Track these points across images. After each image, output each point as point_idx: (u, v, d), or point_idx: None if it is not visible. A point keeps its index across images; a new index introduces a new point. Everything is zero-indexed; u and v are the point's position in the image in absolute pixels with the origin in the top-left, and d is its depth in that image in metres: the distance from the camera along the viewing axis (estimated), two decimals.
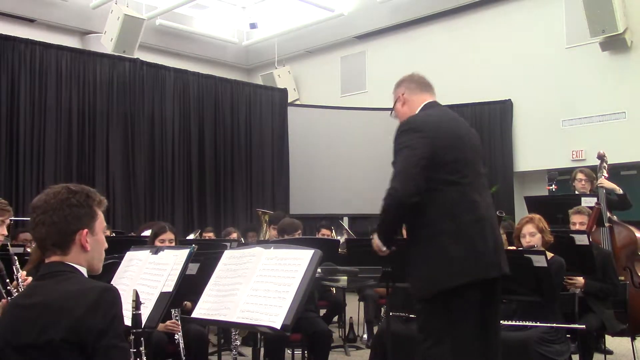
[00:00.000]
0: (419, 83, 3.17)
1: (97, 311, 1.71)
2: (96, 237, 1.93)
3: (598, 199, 5.22)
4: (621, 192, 5.42)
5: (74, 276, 1.85)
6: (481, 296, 2.83)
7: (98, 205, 1.95)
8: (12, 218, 6.59)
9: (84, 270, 1.90)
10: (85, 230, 1.88)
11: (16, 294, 2.79)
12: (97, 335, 1.70)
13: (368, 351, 4.68)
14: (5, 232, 3.07)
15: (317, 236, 6.53)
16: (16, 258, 3.12)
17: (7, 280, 2.39)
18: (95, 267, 1.95)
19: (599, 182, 5.25)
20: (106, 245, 1.99)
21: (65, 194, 1.89)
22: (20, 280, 2.95)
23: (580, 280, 4.26)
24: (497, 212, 5.69)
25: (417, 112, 3.07)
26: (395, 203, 2.78)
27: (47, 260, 1.89)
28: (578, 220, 4.78)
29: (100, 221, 1.95)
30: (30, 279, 3.00)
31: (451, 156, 2.86)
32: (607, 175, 5.49)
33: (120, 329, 1.76)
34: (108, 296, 1.76)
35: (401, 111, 3.15)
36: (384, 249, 2.95)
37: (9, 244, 3.33)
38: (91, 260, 1.92)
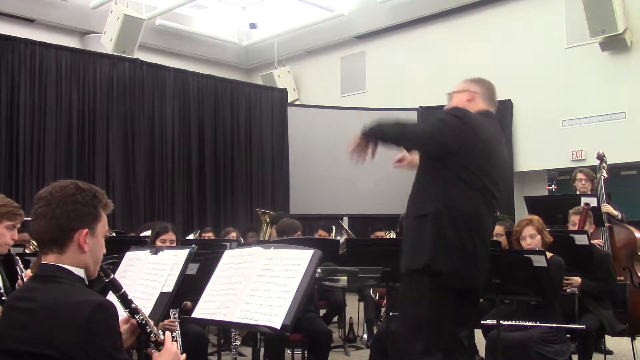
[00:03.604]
0: (491, 98, 3.25)
1: (85, 330, 1.63)
2: (96, 240, 1.86)
3: (598, 199, 5.22)
4: (620, 218, 5.43)
5: (69, 285, 1.77)
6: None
7: (104, 207, 1.89)
8: None
9: (81, 272, 1.84)
10: (86, 230, 1.82)
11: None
12: (87, 355, 1.64)
13: (368, 351, 4.68)
14: (16, 237, 3.07)
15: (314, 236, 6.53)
16: (19, 258, 3.12)
17: (2, 291, 2.36)
18: (91, 271, 1.87)
19: (603, 207, 5.25)
20: (104, 251, 1.92)
21: (72, 190, 1.83)
22: (26, 280, 2.94)
23: (576, 279, 4.27)
24: None
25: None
26: (411, 135, 3.07)
27: (44, 260, 1.83)
28: (578, 220, 4.78)
29: (103, 224, 1.89)
30: None
31: (478, 162, 2.95)
32: (606, 176, 5.50)
33: (114, 343, 1.69)
34: (99, 314, 1.67)
35: (459, 103, 3.20)
36: (364, 144, 3.06)
37: None
38: (87, 263, 1.85)
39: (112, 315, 1.71)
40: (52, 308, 1.68)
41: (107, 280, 1.94)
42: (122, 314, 1.97)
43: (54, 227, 1.80)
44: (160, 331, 1.99)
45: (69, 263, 1.81)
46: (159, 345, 1.94)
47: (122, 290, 1.95)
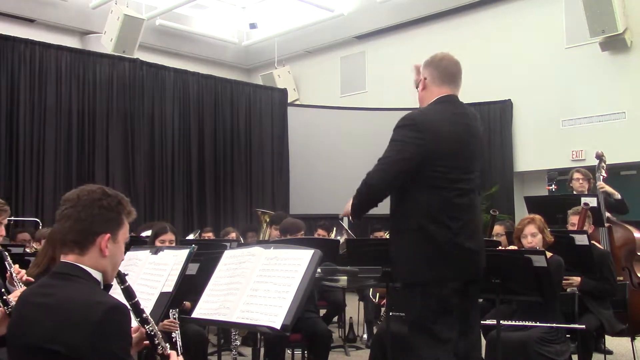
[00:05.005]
0: (444, 73, 3.07)
1: (98, 330, 1.66)
2: (117, 245, 1.90)
3: (598, 199, 5.22)
4: (619, 197, 5.40)
5: (86, 284, 1.80)
6: (457, 294, 2.90)
7: (127, 215, 1.93)
8: (12, 218, 6.57)
9: (98, 276, 1.86)
10: (108, 235, 1.85)
11: (15, 290, 2.77)
12: (96, 355, 1.66)
13: (368, 351, 4.67)
14: (3, 233, 3.06)
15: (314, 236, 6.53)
16: (7, 254, 3.08)
17: (3, 290, 2.34)
18: (109, 276, 1.90)
19: (599, 185, 5.23)
20: (123, 257, 1.97)
21: (99, 194, 1.87)
22: (14, 274, 2.92)
23: (576, 279, 4.27)
24: (491, 211, 5.71)
25: (429, 103, 3.06)
26: (367, 191, 2.98)
27: (63, 258, 1.86)
28: (577, 221, 4.77)
29: (125, 231, 1.92)
30: (24, 272, 2.98)
31: (444, 162, 2.88)
32: (605, 176, 5.49)
33: (124, 345, 1.72)
34: (114, 315, 1.70)
35: (419, 94, 3.16)
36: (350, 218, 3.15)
37: None
38: (106, 267, 1.88)
39: (125, 318, 1.75)
40: (67, 305, 1.72)
41: (122, 287, 1.98)
42: (133, 323, 1.98)
43: (77, 230, 1.83)
44: (167, 344, 2.01)
45: (88, 265, 1.84)
46: (165, 359, 1.97)
47: (136, 299, 1.98)
